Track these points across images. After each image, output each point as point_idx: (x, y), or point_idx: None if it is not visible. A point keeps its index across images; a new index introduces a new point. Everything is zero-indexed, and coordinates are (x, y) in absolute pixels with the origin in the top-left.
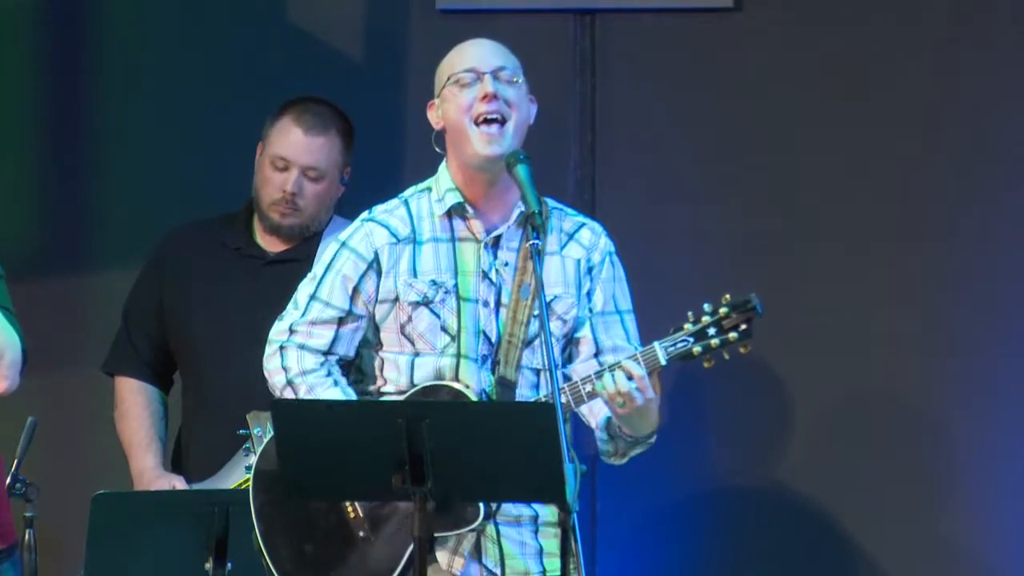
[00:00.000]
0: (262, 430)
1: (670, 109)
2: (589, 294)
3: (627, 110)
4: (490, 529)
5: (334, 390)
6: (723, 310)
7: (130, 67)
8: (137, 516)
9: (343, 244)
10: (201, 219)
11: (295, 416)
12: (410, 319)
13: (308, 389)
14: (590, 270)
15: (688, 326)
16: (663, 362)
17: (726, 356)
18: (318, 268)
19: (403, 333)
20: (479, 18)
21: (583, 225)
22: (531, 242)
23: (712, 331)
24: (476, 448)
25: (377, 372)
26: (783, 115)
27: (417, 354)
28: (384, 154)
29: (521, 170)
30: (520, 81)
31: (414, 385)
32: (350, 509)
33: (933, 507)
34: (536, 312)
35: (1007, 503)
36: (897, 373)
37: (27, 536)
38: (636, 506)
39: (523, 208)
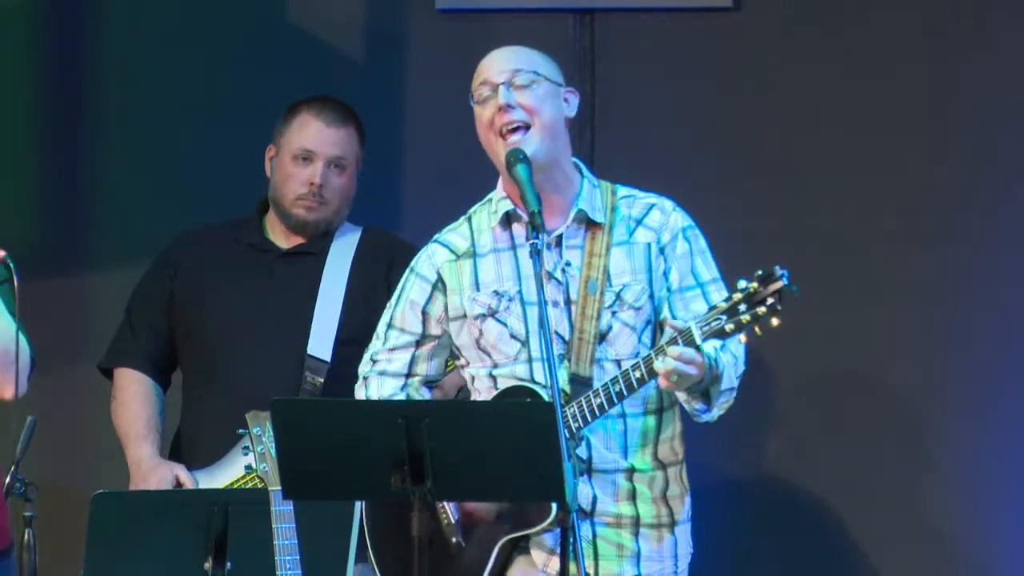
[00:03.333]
0: (261, 430)
1: (670, 109)
2: (666, 274)
3: (627, 110)
4: (586, 529)
5: None
6: (753, 285)
7: (130, 67)
8: (137, 516)
9: (411, 270)
10: (207, 223)
11: (295, 416)
12: (481, 333)
13: None
14: (662, 250)
15: (722, 304)
16: (699, 341)
17: (758, 332)
18: (394, 296)
19: (479, 347)
20: (479, 18)
21: (653, 206)
22: (531, 241)
23: (743, 307)
24: (476, 448)
25: (470, 385)
26: (783, 115)
27: (496, 365)
28: (384, 154)
29: (521, 170)
30: (541, 80)
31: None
32: (444, 516)
33: (932, 505)
34: (607, 304)
35: (1005, 501)
36: (897, 373)
37: (27, 536)
38: None
39: (580, 206)
